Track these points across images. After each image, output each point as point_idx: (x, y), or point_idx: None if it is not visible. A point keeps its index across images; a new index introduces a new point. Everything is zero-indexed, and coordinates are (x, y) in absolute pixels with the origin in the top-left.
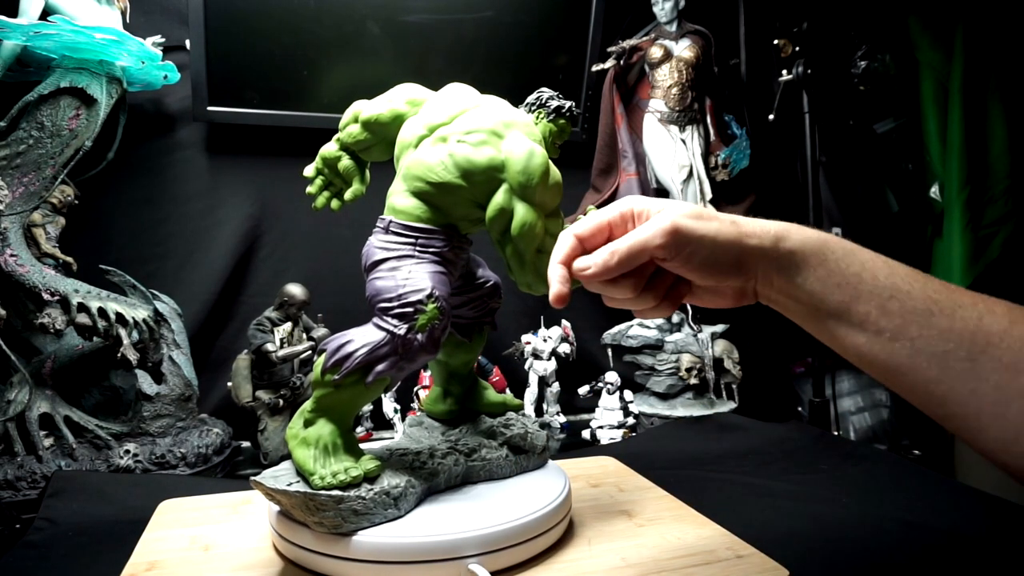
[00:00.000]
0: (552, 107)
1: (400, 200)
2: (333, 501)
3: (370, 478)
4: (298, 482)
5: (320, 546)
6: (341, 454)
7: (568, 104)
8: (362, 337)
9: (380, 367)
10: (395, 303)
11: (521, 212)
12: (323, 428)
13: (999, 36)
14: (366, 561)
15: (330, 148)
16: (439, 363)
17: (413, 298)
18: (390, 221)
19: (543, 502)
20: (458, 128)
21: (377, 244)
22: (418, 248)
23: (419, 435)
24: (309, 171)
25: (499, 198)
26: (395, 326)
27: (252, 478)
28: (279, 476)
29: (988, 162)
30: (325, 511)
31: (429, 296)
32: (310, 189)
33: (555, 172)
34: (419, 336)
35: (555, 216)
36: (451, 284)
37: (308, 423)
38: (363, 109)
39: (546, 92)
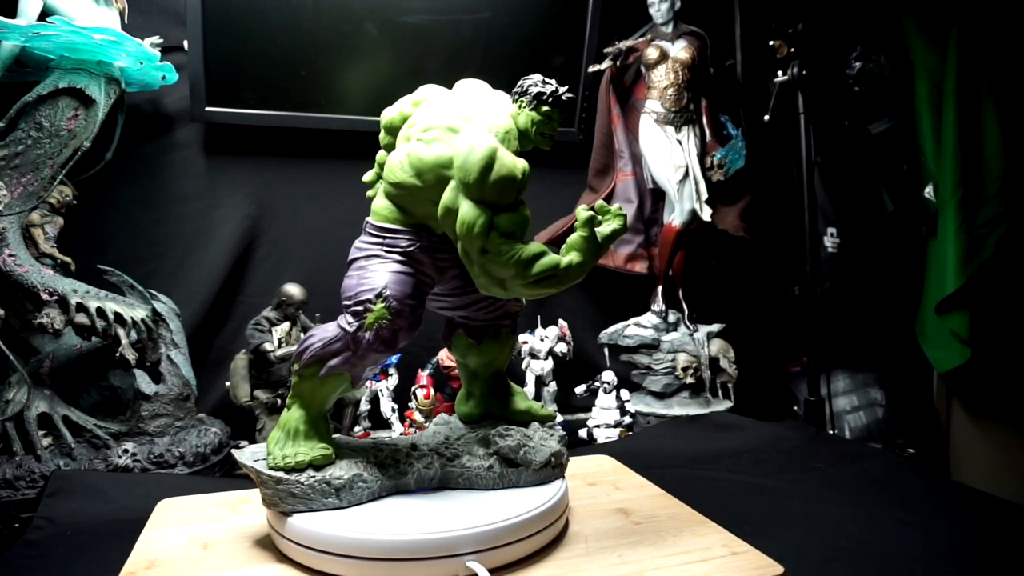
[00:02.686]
0: (532, 94)
1: (376, 201)
2: (273, 481)
3: (316, 466)
4: (264, 459)
5: (323, 545)
6: (301, 439)
7: (549, 90)
8: (322, 333)
9: (333, 362)
10: (352, 301)
11: (463, 209)
12: (294, 414)
13: (993, 38)
14: (365, 559)
15: (382, 153)
16: (460, 364)
17: (364, 296)
18: (366, 222)
19: (540, 500)
20: (420, 126)
21: (356, 244)
22: (384, 248)
23: (426, 433)
24: (368, 176)
25: (446, 196)
26: (349, 323)
27: (233, 449)
28: (256, 451)
29: (982, 162)
30: (266, 488)
31: (378, 295)
32: (370, 192)
33: (504, 166)
34: (367, 335)
35: (510, 212)
36: (425, 284)
37: (287, 407)
38: (384, 114)
39: (530, 79)
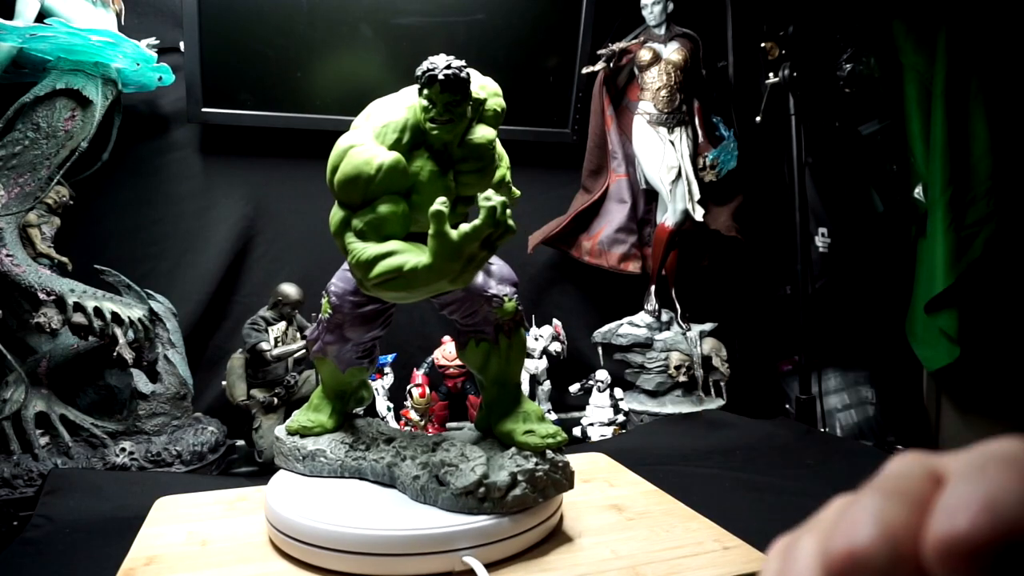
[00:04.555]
0: (417, 76)
1: None
2: (276, 438)
3: (301, 434)
4: None
5: (320, 540)
6: (310, 410)
7: (424, 68)
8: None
9: (314, 347)
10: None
11: (332, 210)
12: (317, 389)
13: (981, 39)
14: (362, 554)
15: None
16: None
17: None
18: None
19: None
20: None
21: None
22: None
23: (430, 434)
24: None
25: None
26: (323, 316)
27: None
28: None
29: (970, 163)
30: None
31: (324, 291)
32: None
33: (349, 164)
34: (321, 326)
35: (364, 210)
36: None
37: None
38: None
39: (426, 62)
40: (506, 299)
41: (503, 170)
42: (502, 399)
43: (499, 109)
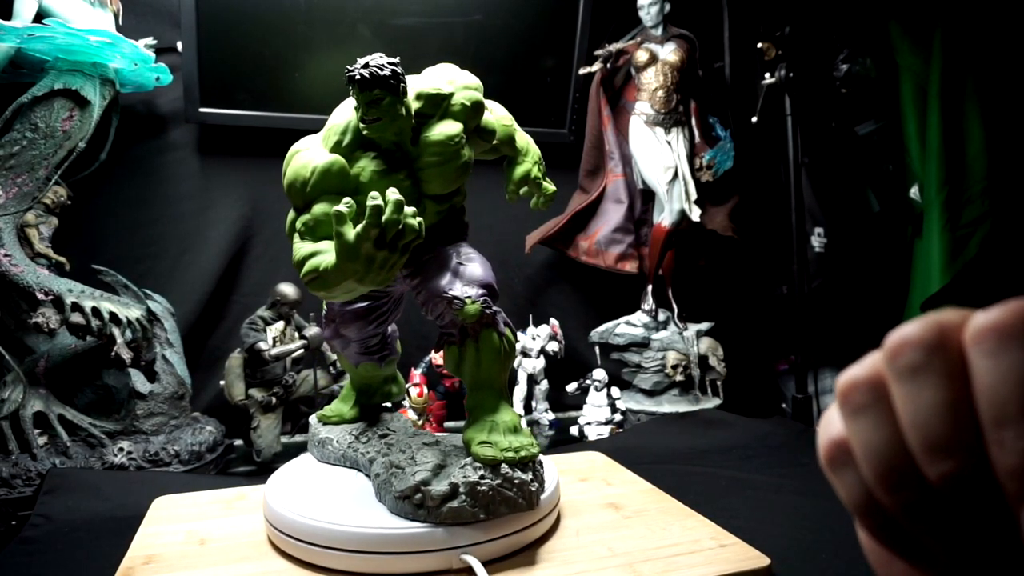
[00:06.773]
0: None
1: None
2: (309, 422)
3: (324, 422)
4: None
5: (318, 539)
6: (339, 400)
7: (346, 70)
8: None
9: (326, 342)
10: None
11: None
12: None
13: (976, 40)
14: (359, 552)
15: None
16: None
17: None
18: None
19: None
20: None
21: None
22: None
23: (437, 434)
24: None
25: None
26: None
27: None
28: None
29: (966, 163)
30: None
31: None
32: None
33: (292, 169)
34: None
35: (304, 211)
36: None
37: None
38: None
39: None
40: (468, 301)
41: (528, 165)
42: (475, 405)
43: (468, 103)
